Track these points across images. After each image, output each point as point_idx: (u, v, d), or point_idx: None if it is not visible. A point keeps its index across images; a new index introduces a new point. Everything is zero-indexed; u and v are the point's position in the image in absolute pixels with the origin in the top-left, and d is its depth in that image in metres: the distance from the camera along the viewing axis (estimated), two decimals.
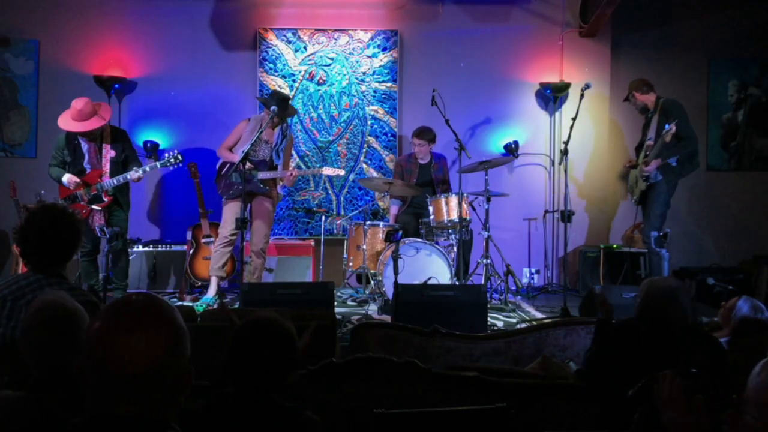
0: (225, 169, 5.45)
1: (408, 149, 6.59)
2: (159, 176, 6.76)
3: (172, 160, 5.32)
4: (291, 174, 5.48)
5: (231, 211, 5.38)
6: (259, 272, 5.51)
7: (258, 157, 5.46)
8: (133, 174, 5.11)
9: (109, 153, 5.17)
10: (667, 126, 5.18)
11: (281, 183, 5.66)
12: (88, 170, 5.16)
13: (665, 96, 5.64)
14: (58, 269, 2.50)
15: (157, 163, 5.31)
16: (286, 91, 6.67)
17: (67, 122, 5.09)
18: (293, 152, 6.26)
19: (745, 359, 2.60)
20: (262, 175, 5.41)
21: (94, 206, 5.13)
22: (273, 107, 5.31)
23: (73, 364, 1.31)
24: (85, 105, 5.06)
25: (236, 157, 5.23)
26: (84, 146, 5.16)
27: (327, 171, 5.76)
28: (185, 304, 5.45)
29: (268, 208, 5.52)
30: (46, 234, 2.45)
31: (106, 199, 5.14)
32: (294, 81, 6.72)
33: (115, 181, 5.11)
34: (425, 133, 5.99)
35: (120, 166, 5.19)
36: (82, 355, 1.28)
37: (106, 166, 5.15)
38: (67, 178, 5.10)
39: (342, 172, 5.96)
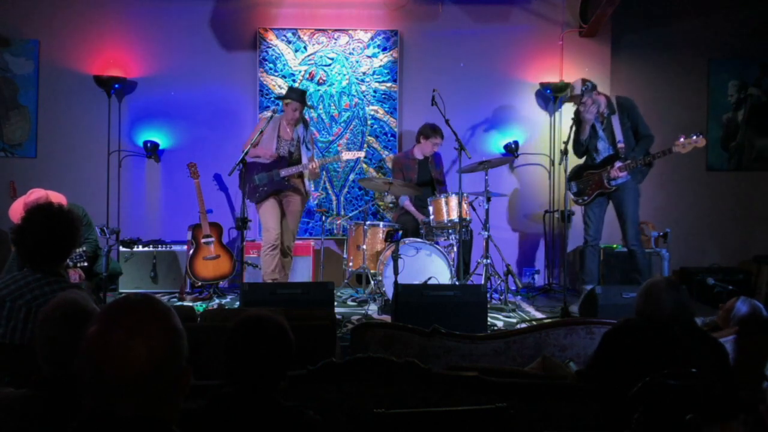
0: (246, 174, 5.32)
1: (407, 148, 6.59)
2: (159, 176, 6.76)
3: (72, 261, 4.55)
4: (313, 166, 5.46)
5: (268, 212, 5.47)
6: (288, 269, 5.66)
7: (279, 154, 5.54)
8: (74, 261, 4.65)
9: None
10: (695, 136, 4.94)
11: (308, 179, 5.62)
12: None
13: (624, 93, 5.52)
14: (56, 268, 2.50)
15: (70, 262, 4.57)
16: (285, 89, 6.67)
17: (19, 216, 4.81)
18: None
19: (752, 358, 2.60)
20: (285, 172, 5.46)
21: None
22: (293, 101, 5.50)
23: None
24: (40, 199, 4.64)
25: (262, 157, 5.39)
26: None
27: (346, 156, 5.84)
28: (185, 304, 5.45)
29: (298, 206, 5.63)
30: (44, 233, 2.45)
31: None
32: (294, 81, 6.72)
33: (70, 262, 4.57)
34: (438, 131, 5.91)
35: None
36: (80, 357, 1.28)
37: None
38: None
39: (362, 154, 6.03)
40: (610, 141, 5.31)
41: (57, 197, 4.88)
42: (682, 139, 4.99)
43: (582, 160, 5.53)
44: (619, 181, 5.21)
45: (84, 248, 4.46)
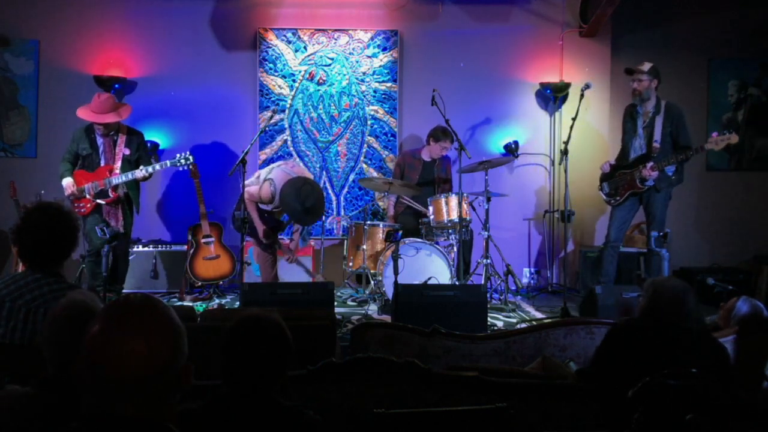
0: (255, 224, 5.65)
1: (407, 147, 6.59)
2: (159, 176, 6.75)
3: (183, 161, 5.38)
4: (289, 258, 5.99)
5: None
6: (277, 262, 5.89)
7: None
8: (138, 173, 5.21)
9: (122, 150, 5.26)
10: (727, 132, 4.99)
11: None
12: (102, 164, 5.24)
13: (663, 97, 5.54)
14: (56, 268, 2.49)
15: (168, 161, 5.37)
16: (285, 89, 6.68)
17: (84, 112, 5.24)
18: None
19: (752, 358, 2.60)
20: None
21: (99, 201, 5.20)
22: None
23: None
24: (107, 99, 5.25)
25: (259, 223, 5.60)
26: (99, 140, 5.26)
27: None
28: (185, 304, 5.46)
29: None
30: (43, 233, 2.44)
31: (111, 195, 5.21)
32: (294, 81, 6.72)
33: (123, 178, 5.18)
34: (449, 135, 5.77)
35: (132, 165, 5.31)
36: (80, 358, 1.27)
37: (118, 163, 5.26)
38: (66, 182, 5.26)
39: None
40: (646, 140, 5.32)
41: (123, 106, 5.39)
42: (715, 135, 5.06)
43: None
44: (650, 181, 5.24)
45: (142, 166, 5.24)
